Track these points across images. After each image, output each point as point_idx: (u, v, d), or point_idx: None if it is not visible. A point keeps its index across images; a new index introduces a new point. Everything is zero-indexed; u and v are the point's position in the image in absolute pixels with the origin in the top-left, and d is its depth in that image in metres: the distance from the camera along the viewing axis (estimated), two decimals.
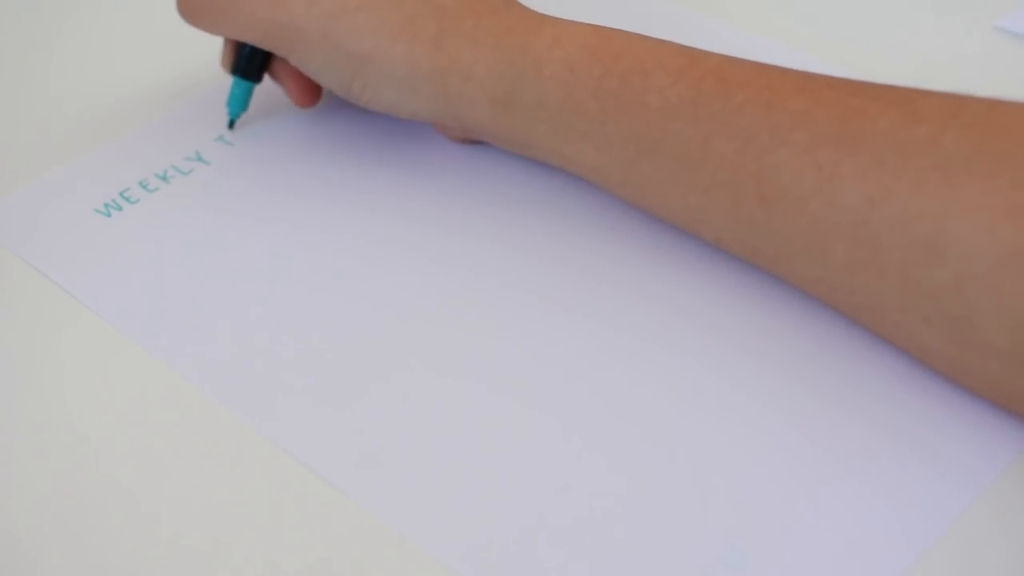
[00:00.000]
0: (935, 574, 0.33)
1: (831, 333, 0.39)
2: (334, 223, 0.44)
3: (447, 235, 0.43)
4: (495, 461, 0.36)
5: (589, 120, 0.40)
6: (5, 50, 0.56)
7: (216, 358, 0.39)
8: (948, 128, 0.34)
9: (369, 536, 0.34)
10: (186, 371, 0.39)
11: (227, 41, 0.47)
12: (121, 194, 0.46)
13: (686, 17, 0.54)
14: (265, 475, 0.36)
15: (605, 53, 0.40)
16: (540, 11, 0.43)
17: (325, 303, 0.41)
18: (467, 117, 0.43)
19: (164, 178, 0.47)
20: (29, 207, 0.46)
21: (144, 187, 0.47)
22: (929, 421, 0.36)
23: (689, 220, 0.40)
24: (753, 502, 0.34)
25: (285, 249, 0.43)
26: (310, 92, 0.47)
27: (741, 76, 0.38)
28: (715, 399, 0.37)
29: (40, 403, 0.39)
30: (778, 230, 0.37)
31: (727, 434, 0.36)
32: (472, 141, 0.47)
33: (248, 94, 0.48)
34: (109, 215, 0.45)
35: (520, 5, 0.43)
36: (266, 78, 0.48)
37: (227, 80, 0.49)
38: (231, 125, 0.49)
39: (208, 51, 0.51)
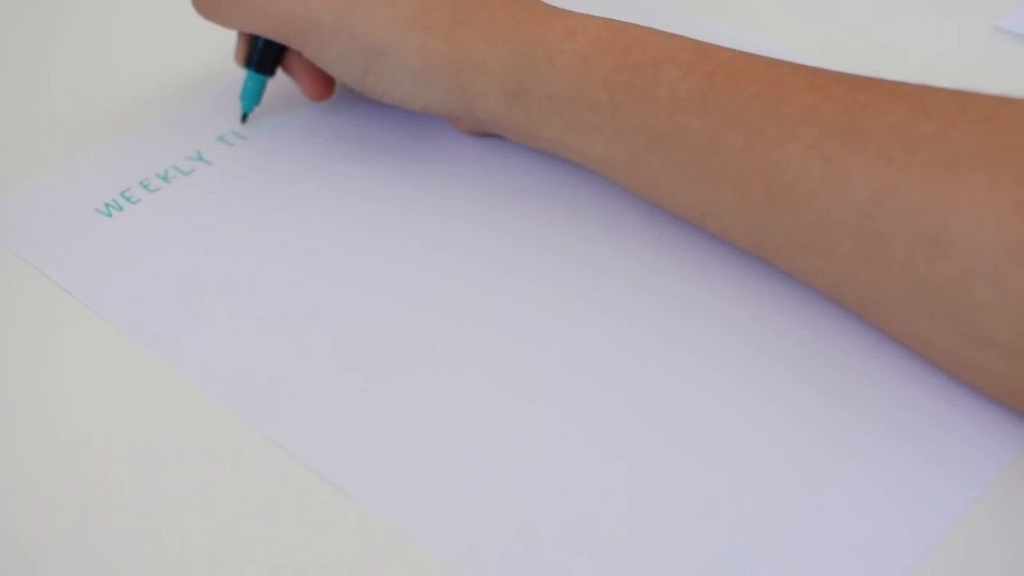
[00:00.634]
0: (938, 573, 0.33)
1: (835, 329, 0.39)
2: (338, 219, 0.44)
3: (459, 229, 0.43)
4: (495, 460, 0.36)
5: (600, 112, 0.40)
6: (5, 50, 0.56)
7: (216, 358, 0.39)
8: (955, 124, 0.34)
9: (369, 536, 0.34)
10: (186, 371, 0.39)
11: (241, 35, 0.47)
12: (122, 194, 0.46)
13: (686, 17, 0.54)
14: (265, 475, 0.36)
15: (617, 46, 0.40)
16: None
17: (325, 303, 0.41)
18: (480, 109, 0.43)
19: (165, 178, 0.47)
20: (29, 207, 0.46)
21: (145, 187, 0.46)
22: (932, 419, 0.36)
23: (697, 213, 0.40)
24: (754, 500, 0.34)
25: (286, 249, 0.43)
26: (324, 85, 0.47)
27: (751, 71, 0.38)
28: (718, 396, 0.37)
29: (40, 403, 0.39)
30: (784, 223, 0.37)
31: (729, 431, 0.36)
32: (484, 134, 0.47)
33: (261, 88, 0.48)
34: (110, 215, 0.45)
35: None
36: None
37: (228, 80, 0.49)
38: (244, 119, 0.49)
39: (209, 51, 0.51)
